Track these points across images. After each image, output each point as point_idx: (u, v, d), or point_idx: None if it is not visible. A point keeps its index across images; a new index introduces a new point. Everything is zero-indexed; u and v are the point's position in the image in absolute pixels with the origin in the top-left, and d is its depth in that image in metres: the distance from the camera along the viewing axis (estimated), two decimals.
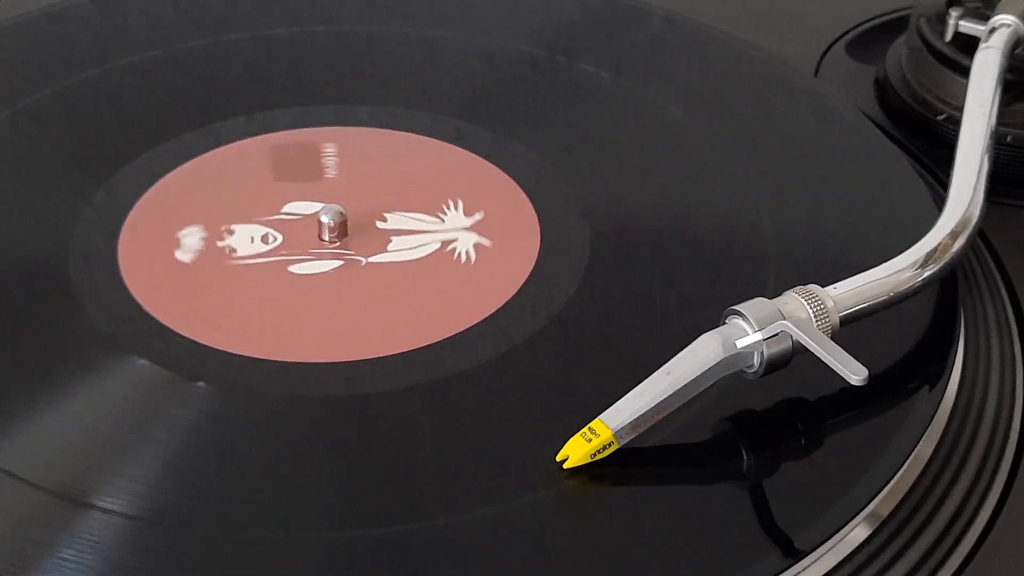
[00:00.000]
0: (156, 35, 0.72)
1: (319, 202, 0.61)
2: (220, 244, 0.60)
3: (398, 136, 0.66)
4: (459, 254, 0.59)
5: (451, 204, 0.62)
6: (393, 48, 0.72)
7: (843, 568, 0.49)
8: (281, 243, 0.60)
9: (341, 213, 0.60)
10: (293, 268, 0.59)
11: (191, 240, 0.60)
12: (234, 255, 0.59)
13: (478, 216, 0.61)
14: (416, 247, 0.60)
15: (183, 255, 0.59)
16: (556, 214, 0.62)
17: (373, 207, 0.62)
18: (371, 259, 0.59)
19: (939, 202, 0.59)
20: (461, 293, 0.58)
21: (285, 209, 0.62)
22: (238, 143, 0.65)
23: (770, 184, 0.63)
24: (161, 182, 0.63)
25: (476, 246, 0.60)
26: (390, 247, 0.60)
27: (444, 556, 0.48)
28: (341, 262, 0.59)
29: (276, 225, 0.61)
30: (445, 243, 0.60)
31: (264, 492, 0.50)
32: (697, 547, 0.48)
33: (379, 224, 0.61)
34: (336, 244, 0.60)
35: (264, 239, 0.60)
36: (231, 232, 0.60)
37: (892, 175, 0.64)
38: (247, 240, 0.60)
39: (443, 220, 0.61)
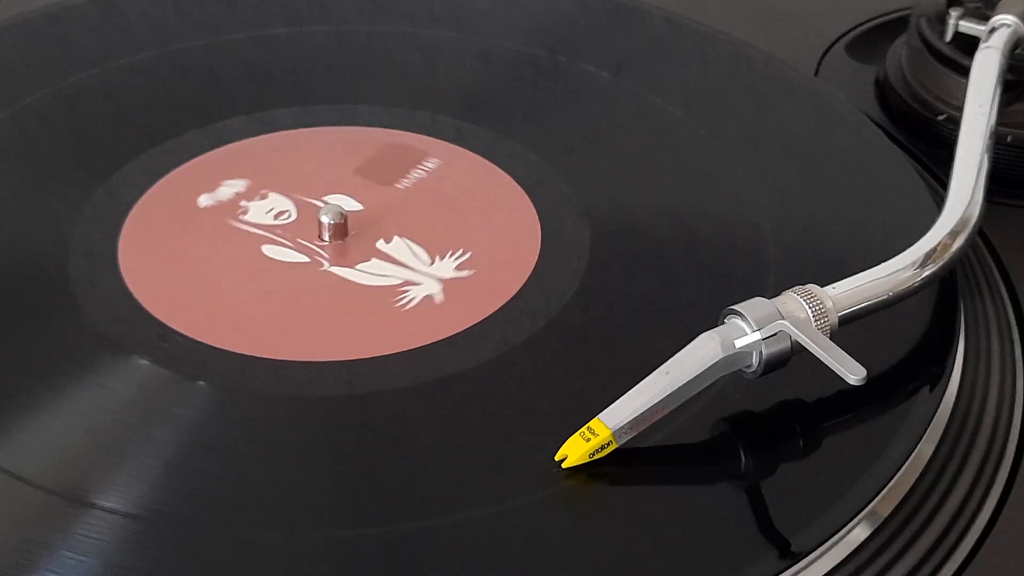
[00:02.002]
0: (156, 35, 0.72)
1: (320, 201, 0.62)
2: (243, 203, 0.61)
3: (397, 135, 0.66)
4: (408, 299, 0.58)
5: (455, 253, 0.61)
6: (394, 47, 0.72)
7: (843, 568, 0.49)
8: (290, 223, 0.60)
9: (341, 213, 0.60)
10: (272, 252, 0.59)
11: (226, 190, 0.62)
12: (242, 216, 0.60)
13: (465, 273, 0.60)
14: (380, 275, 0.59)
15: (206, 199, 0.61)
16: (556, 214, 0.62)
17: (390, 225, 0.62)
18: (373, 254, 0.59)
19: (939, 202, 0.59)
20: (462, 293, 0.58)
21: (326, 198, 0.62)
22: (236, 143, 0.66)
23: (770, 184, 0.63)
24: (161, 181, 0.63)
25: (425, 298, 0.58)
26: (361, 265, 0.59)
27: (443, 556, 0.48)
28: (322, 262, 0.59)
29: (302, 207, 0.61)
30: (405, 283, 0.59)
31: (264, 492, 0.50)
32: (696, 547, 0.48)
33: (380, 242, 0.61)
34: (336, 244, 0.60)
35: (279, 215, 0.60)
36: (263, 196, 0.62)
37: (892, 175, 0.64)
38: (265, 209, 0.61)
39: (432, 262, 0.60)
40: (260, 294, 0.58)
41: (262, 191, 0.62)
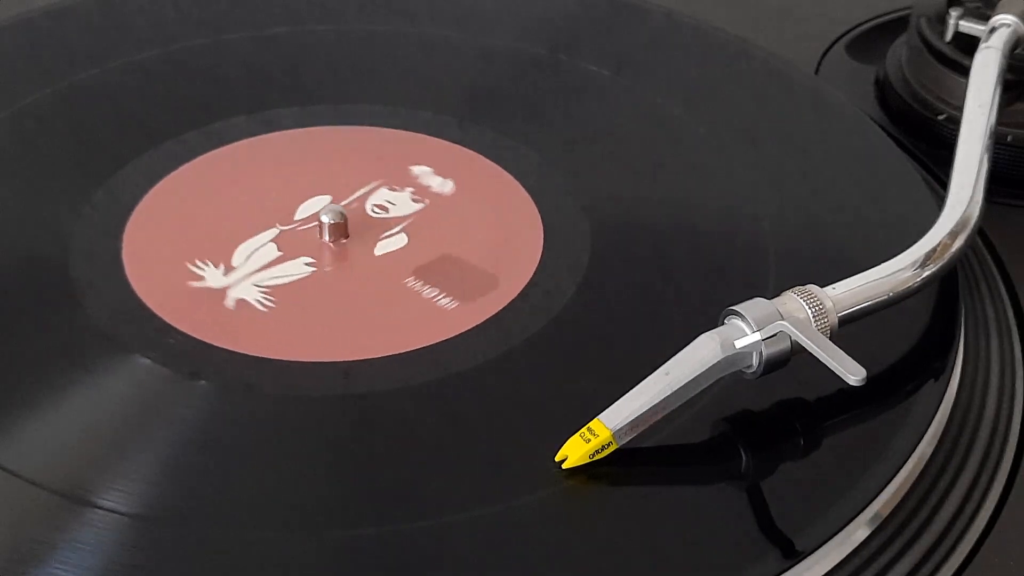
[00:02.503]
0: (156, 34, 0.72)
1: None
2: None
3: (397, 135, 0.66)
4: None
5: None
6: (394, 47, 0.72)
7: (843, 568, 0.49)
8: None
9: (341, 213, 0.60)
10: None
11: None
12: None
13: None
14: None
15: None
16: (557, 213, 0.62)
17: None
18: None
19: (939, 202, 0.59)
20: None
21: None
22: (237, 143, 0.66)
23: (770, 184, 0.63)
24: (162, 182, 0.63)
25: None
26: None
27: (443, 556, 0.48)
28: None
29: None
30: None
31: (264, 492, 0.50)
32: (697, 547, 0.48)
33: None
34: (336, 244, 0.60)
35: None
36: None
37: (892, 175, 0.64)
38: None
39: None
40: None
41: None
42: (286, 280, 0.58)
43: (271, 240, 0.60)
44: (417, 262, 0.59)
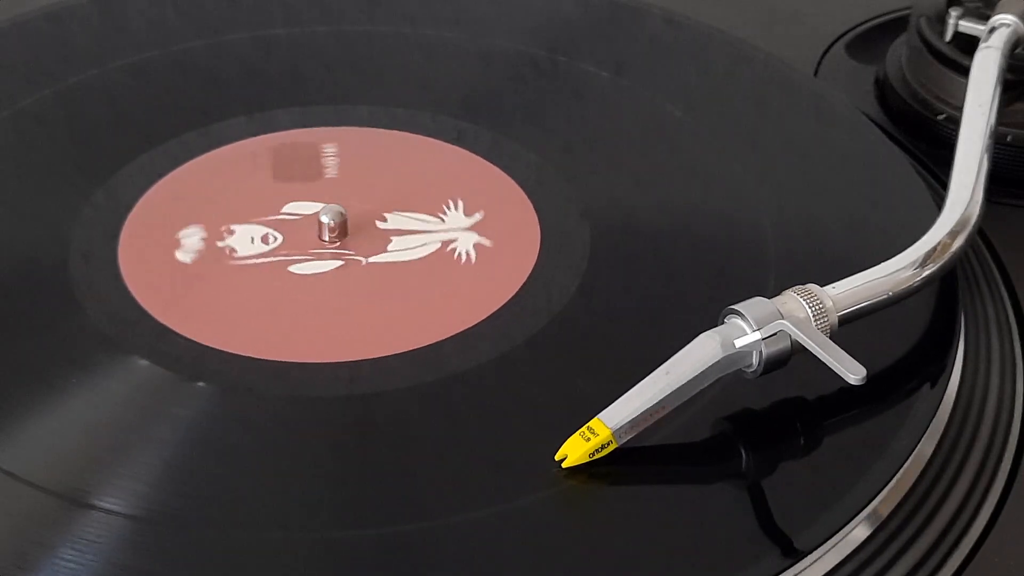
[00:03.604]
0: (156, 35, 0.72)
1: (319, 202, 0.61)
2: (220, 244, 0.60)
3: (397, 136, 0.66)
4: (459, 254, 0.59)
5: (451, 204, 0.62)
6: (393, 48, 0.72)
7: (843, 568, 0.49)
8: (281, 243, 0.60)
9: (341, 213, 0.60)
10: (293, 268, 0.59)
11: (191, 241, 0.60)
12: (234, 255, 0.59)
13: (478, 216, 0.61)
14: (416, 247, 0.60)
15: (183, 255, 0.59)
16: (556, 214, 0.62)
17: (373, 207, 0.62)
18: (371, 259, 0.59)
19: (939, 202, 0.59)
20: (461, 293, 0.58)
21: (285, 209, 0.62)
22: (238, 143, 0.66)
23: (770, 184, 0.63)
24: (161, 182, 0.63)
25: (476, 246, 0.60)
26: (390, 247, 0.60)
27: (444, 556, 0.48)
28: (341, 262, 0.59)
29: (276, 225, 0.61)
30: (445, 243, 0.60)
31: (264, 492, 0.50)
32: (697, 547, 0.48)
33: (379, 224, 0.61)
34: (336, 244, 0.60)
35: (264, 239, 0.60)
36: (231, 232, 0.60)
37: (892, 175, 0.64)
38: (247, 240, 0.60)
39: (443, 220, 0.61)
40: (268, 297, 0.58)
41: (222, 228, 0.61)
42: (285, 280, 0.58)
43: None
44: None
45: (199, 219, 0.61)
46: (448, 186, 0.63)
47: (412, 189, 0.63)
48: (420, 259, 0.59)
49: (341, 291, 0.58)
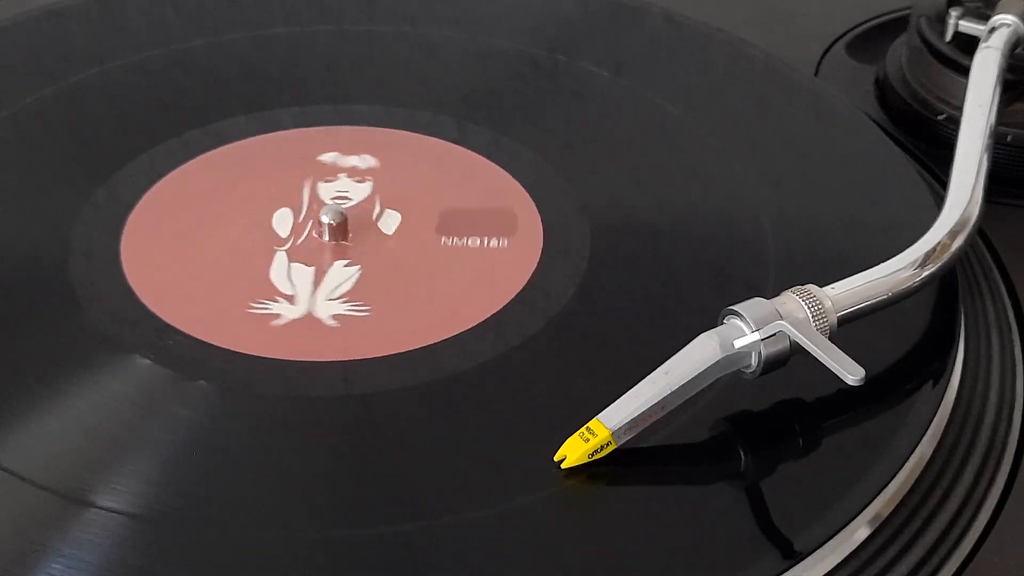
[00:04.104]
0: (156, 34, 0.72)
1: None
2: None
3: (397, 135, 0.66)
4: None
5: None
6: (393, 47, 0.72)
7: (844, 568, 0.49)
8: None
9: (341, 213, 0.60)
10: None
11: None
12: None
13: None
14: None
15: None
16: (556, 214, 0.62)
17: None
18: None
19: (939, 202, 0.59)
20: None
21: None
22: (239, 143, 0.66)
23: (770, 184, 0.63)
24: (162, 181, 0.63)
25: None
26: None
27: (443, 556, 0.48)
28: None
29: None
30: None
31: (264, 492, 0.50)
32: (696, 548, 0.48)
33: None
34: (336, 244, 0.60)
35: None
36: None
37: (892, 175, 0.64)
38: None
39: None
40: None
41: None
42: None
43: (271, 240, 0.60)
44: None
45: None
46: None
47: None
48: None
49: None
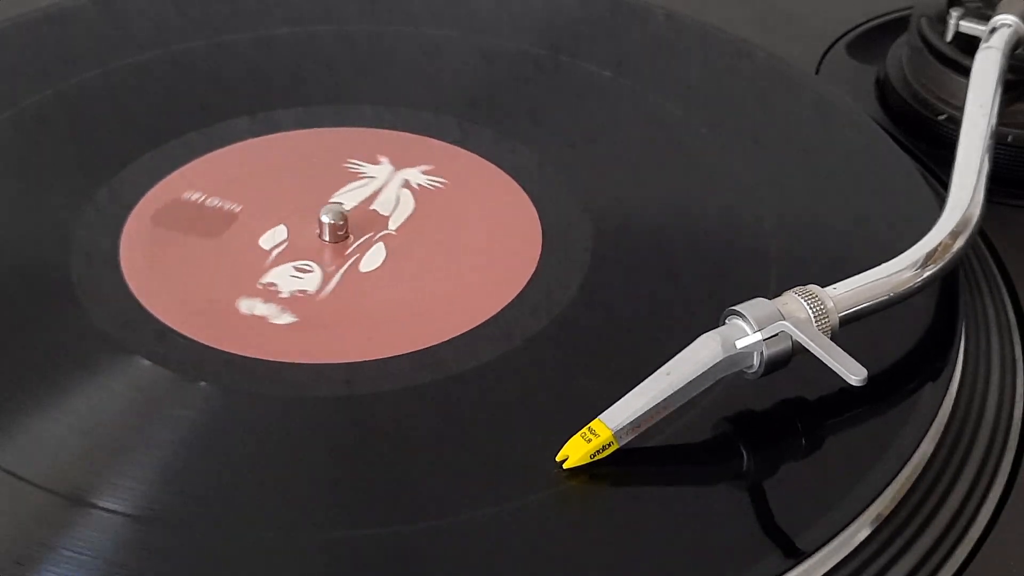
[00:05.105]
0: (157, 35, 0.72)
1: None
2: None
3: (399, 136, 0.66)
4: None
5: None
6: (395, 47, 0.72)
7: (844, 568, 0.49)
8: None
9: (342, 213, 0.60)
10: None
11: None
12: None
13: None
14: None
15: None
16: (558, 214, 0.62)
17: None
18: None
19: (940, 202, 0.59)
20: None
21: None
22: (240, 143, 0.66)
23: (771, 184, 0.63)
24: (163, 182, 0.63)
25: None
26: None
27: (444, 556, 0.48)
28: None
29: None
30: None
31: (264, 492, 0.50)
32: (697, 547, 0.48)
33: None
34: (336, 244, 0.60)
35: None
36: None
37: (893, 175, 0.64)
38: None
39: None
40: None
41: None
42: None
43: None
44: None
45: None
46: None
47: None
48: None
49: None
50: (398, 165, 0.64)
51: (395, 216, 0.62)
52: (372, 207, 0.62)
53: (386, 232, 0.61)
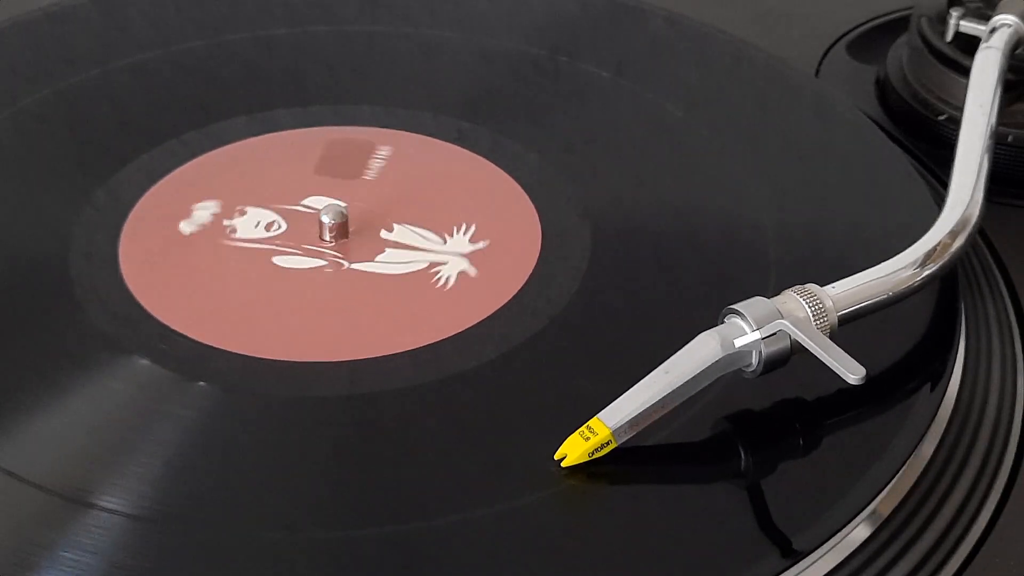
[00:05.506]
0: (157, 35, 0.72)
1: (327, 199, 0.62)
2: (226, 223, 0.61)
3: (398, 136, 0.66)
4: (441, 279, 0.59)
5: (462, 227, 0.61)
6: (394, 48, 0.72)
7: (844, 568, 0.49)
8: (284, 232, 0.60)
9: (342, 213, 0.60)
10: (285, 262, 0.59)
11: (202, 214, 0.61)
12: (233, 235, 0.60)
13: (481, 244, 0.60)
14: (404, 263, 0.60)
15: (187, 226, 0.60)
16: (557, 214, 0.62)
17: (377, 209, 0.62)
18: (371, 259, 0.59)
19: (939, 202, 0.59)
20: (462, 293, 0.58)
21: (303, 202, 0.62)
22: (240, 142, 0.66)
23: (770, 184, 0.63)
24: (162, 181, 0.63)
25: (460, 274, 0.59)
26: (379, 257, 0.60)
27: (444, 556, 0.48)
28: (341, 262, 0.59)
29: (286, 215, 0.61)
30: (432, 264, 0.60)
31: (265, 492, 0.50)
32: (696, 547, 0.48)
33: (383, 232, 0.61)
34: (336, 244, 0.60)
35: (268, 226, 0.60)
36: (243, 213, 0.61)
37: (893, 175, 0.64)
38: (252, 224, 0.60)
39: (445, 241, 0.61)
40: (261, 293, 0.58)
41: (236, 207, 0.62)
42: (286, 280, 0.58)
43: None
44: (415, 263, 0.59)
45: (217, 195, 0.62)
46: (450, 187, 0.63)
47: (434, 203, 0.63)
48: (401, 275, 0.59)
49: (342, 291, 0.58)
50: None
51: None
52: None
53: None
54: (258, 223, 0.61)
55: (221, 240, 0.60)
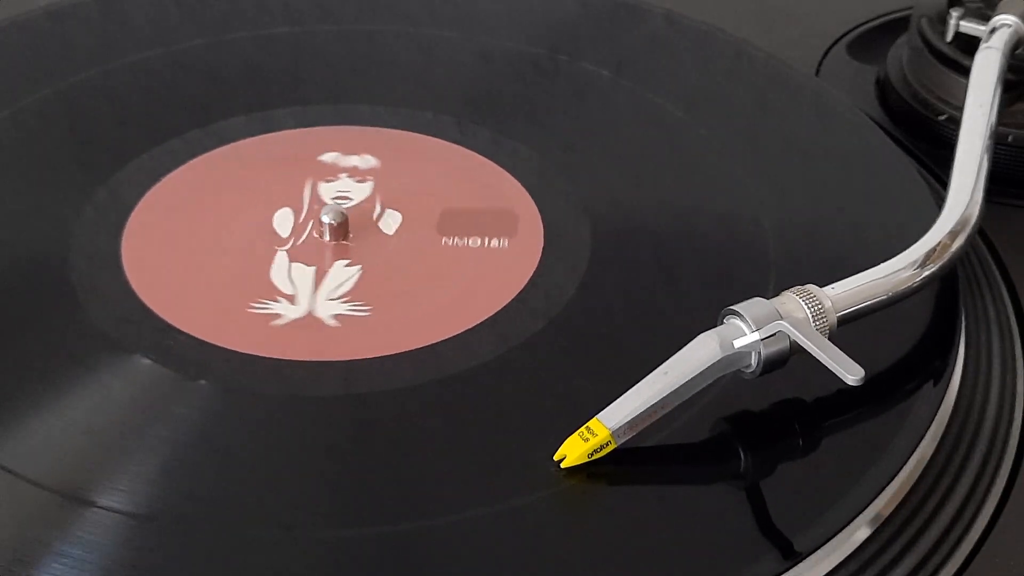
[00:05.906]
0: (157, 34, 0.72)
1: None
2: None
3: (398, 135, 0.66)
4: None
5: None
6: (394, 47, 0.72)
7: (844, 569, 0.49)
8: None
9: (342, 213, 0.60)
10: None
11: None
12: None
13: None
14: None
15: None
16: (557, 214, 0.62)
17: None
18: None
19: (939, 202, 0.59)
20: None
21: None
22: (240, 142, 0.66)
23: (770, 184, 0.63)
24: (163, 181, 0.63)
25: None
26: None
27: (443, 556, 0.48)
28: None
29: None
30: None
31: (264, 492, 0.50)
32: (696, 548, 0.48)
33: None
34: (336, 244, 0.60)
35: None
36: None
37: (893, 175, 0.64)
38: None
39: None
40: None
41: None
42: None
43: (271, 240, 0.60)
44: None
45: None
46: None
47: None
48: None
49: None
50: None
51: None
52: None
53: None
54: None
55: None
